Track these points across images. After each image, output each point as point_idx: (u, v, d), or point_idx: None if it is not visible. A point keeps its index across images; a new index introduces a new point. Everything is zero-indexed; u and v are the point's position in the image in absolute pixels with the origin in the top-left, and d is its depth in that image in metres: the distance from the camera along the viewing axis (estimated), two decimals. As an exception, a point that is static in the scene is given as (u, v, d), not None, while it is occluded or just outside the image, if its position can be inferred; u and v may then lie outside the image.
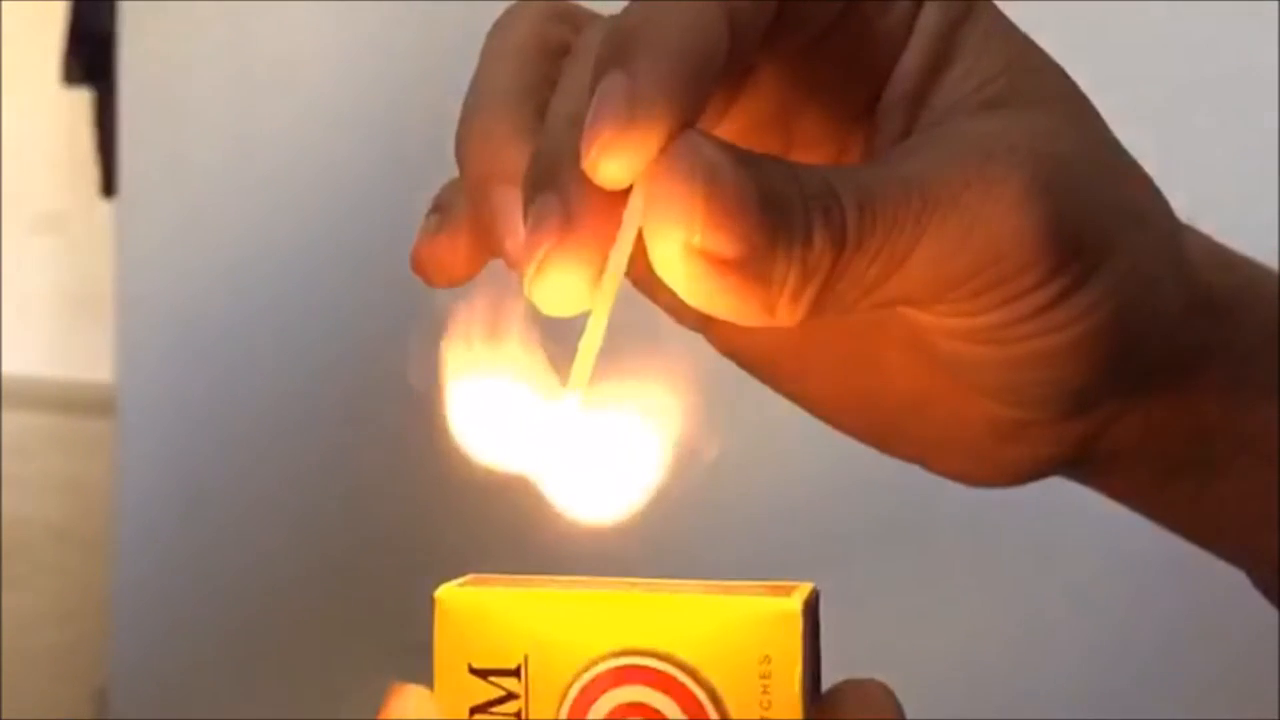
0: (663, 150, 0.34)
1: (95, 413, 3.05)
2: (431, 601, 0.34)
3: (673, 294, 0.35)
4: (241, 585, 1.44)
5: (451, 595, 0.34)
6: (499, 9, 0.40)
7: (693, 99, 0.34)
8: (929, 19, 0.38)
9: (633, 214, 0.35)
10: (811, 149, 0.40)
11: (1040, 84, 0.38)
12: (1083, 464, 0.43)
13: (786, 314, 0.35)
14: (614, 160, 0.34)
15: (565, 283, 0.34)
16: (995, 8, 0.39)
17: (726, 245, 0.34)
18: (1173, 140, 1.04)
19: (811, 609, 0.33)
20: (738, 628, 0.33)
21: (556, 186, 0.35)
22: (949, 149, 0.36)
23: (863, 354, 0.42)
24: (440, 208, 0.39)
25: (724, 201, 0.34)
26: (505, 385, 0.36)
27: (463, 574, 0.35)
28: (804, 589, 0.34)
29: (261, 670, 1.44)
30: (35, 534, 3.31)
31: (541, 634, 0.33)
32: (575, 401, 0.35)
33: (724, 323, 0.38)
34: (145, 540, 1.49)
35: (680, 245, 0.34)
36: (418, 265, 0.38)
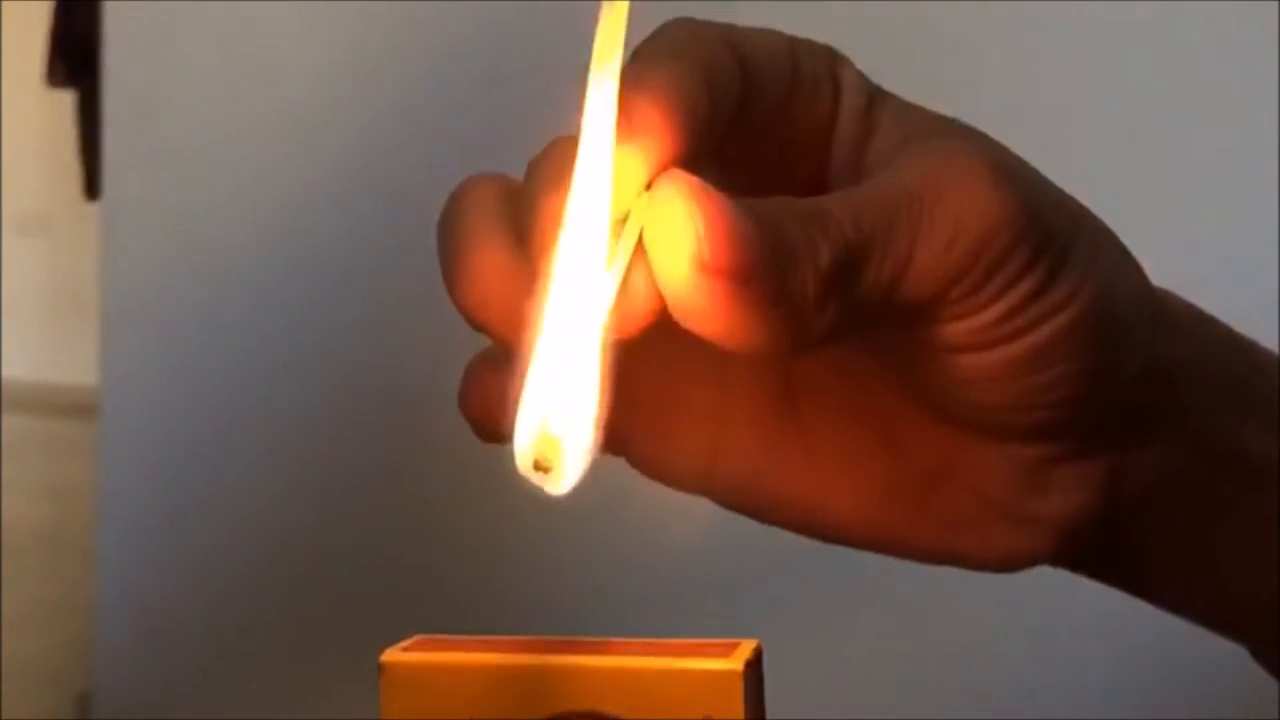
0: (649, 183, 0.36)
1: (80, 416, 3.04)
2: (377, 666, 0.34)
3: (665, 457, 0.40)
4: (225, 589, 1.43)
5: (396, 660, 0.34)
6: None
7: (680, 141, 0.36)
8: (849, 102, 0.41)
9: (625, 248, 0.36)
10: None
11: (953, 128, 0.41)
12: (1114, 519, 0.43)
13: (817, 322, 0.36)
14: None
15: None
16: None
17: (728, 256, 0.35)
18: (1173, 142, 1.04)
19: (754, 667, 0.34)
20: (679, 689, 0.33)
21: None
22: (914, 160, 0.39)
23: (875, 439, 0.43)
24: (466, 388, 0.40)
25: (720, 215, 0.35)
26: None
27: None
28: (746, 647, 0.34)
29: (244, 675, 1.44)
30: (19, 537, 3.30)
31: (485, 697, 0.34)
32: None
33: (728, 470, 0.41)
34: (129, 544, 1.49)
35: (688, 261, 0.35)
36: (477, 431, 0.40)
